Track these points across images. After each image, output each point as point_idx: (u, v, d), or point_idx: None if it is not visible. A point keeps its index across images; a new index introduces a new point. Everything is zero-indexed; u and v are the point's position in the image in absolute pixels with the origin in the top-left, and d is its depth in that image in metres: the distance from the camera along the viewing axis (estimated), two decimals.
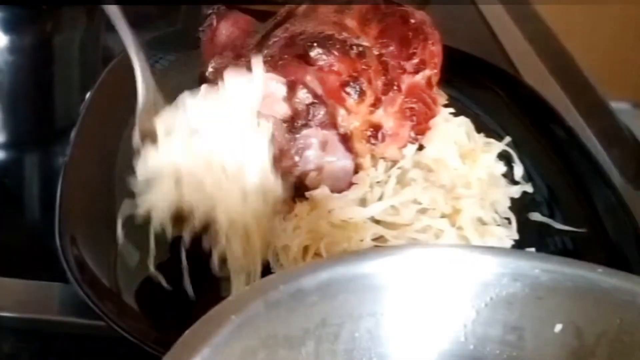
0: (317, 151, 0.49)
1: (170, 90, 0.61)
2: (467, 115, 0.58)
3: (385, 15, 0.55)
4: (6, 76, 0.63)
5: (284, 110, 0.49)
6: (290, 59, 0.48)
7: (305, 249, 0.46)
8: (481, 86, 0.67)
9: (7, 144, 0.62)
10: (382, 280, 0.30)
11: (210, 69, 0.53)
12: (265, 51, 0.49)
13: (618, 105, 0.75)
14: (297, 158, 0.48)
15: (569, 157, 0.58)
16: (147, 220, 0.48)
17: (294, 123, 0.49)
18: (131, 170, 0.52)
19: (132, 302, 0.43)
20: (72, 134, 0.52)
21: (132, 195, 0.50)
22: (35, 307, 0.45)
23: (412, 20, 0.55)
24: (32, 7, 0.65)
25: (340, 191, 0.49)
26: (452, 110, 0.57)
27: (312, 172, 0.49)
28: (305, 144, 0.49)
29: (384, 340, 0.31)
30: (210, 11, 0.57)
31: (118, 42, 0.52)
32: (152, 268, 0.44)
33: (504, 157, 0.55)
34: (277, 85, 0.48)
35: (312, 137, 0.49)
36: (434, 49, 0.55)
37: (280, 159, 0.47)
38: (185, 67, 0.62)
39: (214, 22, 0.56)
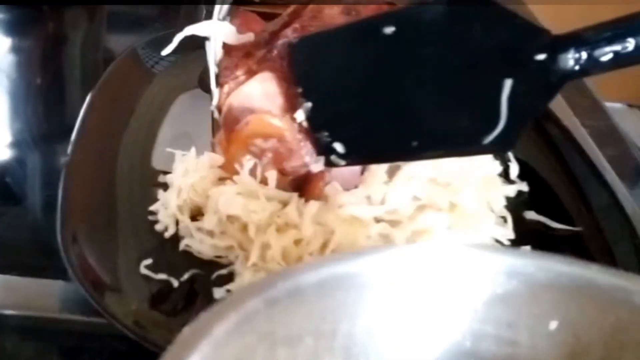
0: None
1: (170, 91, 0.61)
2: None
3: None
4: (8, 76, 0.63)
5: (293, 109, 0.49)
6: None
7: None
8: None
9: (9, 144, 0.62)
10: (379, 278, 0.30)
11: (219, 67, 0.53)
12: (275, 51, 0.50)
13: (613, 105, 0.75)
14: (307, 158, 0.48)
15: (564, 156, 0.58)
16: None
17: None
18: (131, 170, 0.52)
19: (134, 299, 0.43)
20: (74, 134, 0.53)
21: (132, 194, 0.51)
22: (37, 305, 0.45)
23: None
24: (33, 8, 0.66)
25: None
26: None
27: (327, 174, 0.49)
28: None
29: (382, 338, 0.31)
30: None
31: (118, 42, 0.52)
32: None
33: (500, 156, 0.56)
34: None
35: None
36: None
37: (290, 159, 0.48)
38: (186, 68, 0.62)
39: None
